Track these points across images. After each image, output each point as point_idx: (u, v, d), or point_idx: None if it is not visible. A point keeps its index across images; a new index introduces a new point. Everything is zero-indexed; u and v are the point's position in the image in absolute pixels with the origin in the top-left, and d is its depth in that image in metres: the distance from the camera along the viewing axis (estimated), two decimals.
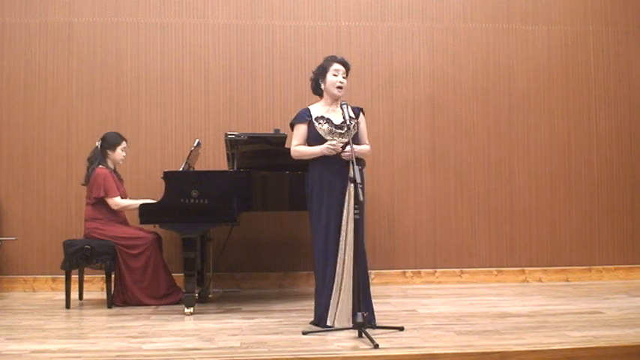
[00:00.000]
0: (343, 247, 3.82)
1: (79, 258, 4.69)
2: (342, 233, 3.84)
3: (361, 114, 4.11)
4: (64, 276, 4.77)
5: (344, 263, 3.80)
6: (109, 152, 4.96)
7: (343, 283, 3.79)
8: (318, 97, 4.18)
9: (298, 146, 4.05)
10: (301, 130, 4.05)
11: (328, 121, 3.99)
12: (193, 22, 5.76)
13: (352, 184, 3.70)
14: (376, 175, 5.72)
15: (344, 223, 3.84)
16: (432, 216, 5.84)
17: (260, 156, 4.97)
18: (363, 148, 4.03)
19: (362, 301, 3.71)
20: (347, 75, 4.08)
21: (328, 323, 3.81)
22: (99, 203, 4.83)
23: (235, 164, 4.82)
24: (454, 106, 5.93)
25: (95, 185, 4.81)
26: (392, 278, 5.72)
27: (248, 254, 5.63)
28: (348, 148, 3.82)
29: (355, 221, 3.73)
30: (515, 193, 5.92)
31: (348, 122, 3.89)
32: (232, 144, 4.81)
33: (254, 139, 4.96)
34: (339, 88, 4.01)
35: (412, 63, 5.92)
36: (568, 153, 6.00)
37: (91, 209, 4.85)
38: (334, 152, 3.88)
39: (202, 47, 5.75)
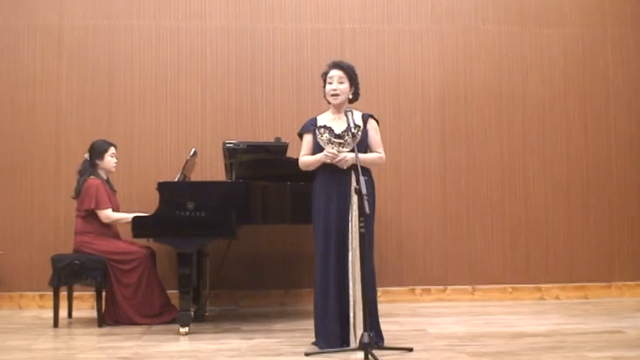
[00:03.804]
0: (351, 262, 3.81)
1: (67, 274, 4.68)
2: (350, 247, 3.82)
3: (371, 120, 4.09)
4: (52, 293, 4.75)
5: (353, 280, 3.79)
6: (98, 162, 4.95)
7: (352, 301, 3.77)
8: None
9: (304, 156, 4.07)
10: (307, 140, 4.10)
11: (329, 130, 4.01)
12: (190, 24, 5.77)
13: (358, 195, 3.68)
14: (383, 186, 5.70)
15: (350, 237, 3.82)
16: (443, 229, 5.81)
17: (260, 166, 4.97)
18: (368, 157, 4.00)
19: (368, 320, 3.67)
20: (350, 77, 4.05)
21: (352, 346, 3.75)
22: (90, 216, 4.82)
23: (234, 174, 4.82)
24: (465, 112, 5.92)
25: (86, 196, 4.80)
26: (400, 296, 5.69)
27: (247, 270, 5.61)
28: (350, 155, 3.83)
29: (360, 235, 3.70)
30: (530, 205, 5.90)
31: (352, 130, 3.88)
32: (230, 153, 4.81)
33: (253, 147, 4.95)
34: (334, 96, 4.01)
35: (421, 67, 5.92)
36: (586, 162, 5.98)
37: (81, 222, 4.84)
38: (332, 160, 3.87)
39: (199, 51, 5.76)
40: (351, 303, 3.79)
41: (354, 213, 3.82)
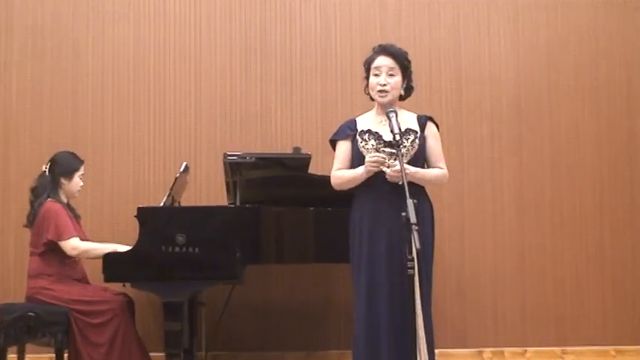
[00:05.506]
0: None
1: (19, 330, 4.68)
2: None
3: (430, 124, 4.09)
4: None
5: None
6: (64, 181, 4.97)
7: None
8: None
9: (339, 171, 4.05)
10: (343, 149, 4.08)
11: (376, 135, 3.99)
12: None
13: (405, 226, 3.65)
14: (440, 217, 5.63)
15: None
16: (520, 274, 5.81)
17: (273, 185, 5.01)
18: (429, 173, 4.00)
19: None
20: (403, 68, 4.05)
21: None
22: (49, 252, 4.82)
23: (238, 197, 4.84)
24: (550, 116, 5.93)
25: (44, 225, 4.80)
26: None
27: (256, 325, 5.63)
28: (397, 167, 3.79)
29: (409, 278, 3.68)
30: (638, 240, 5.86)
31: (398, 137, 3.87)
32: (234, 169, 4.85)
33: (264, 161, 5.00)
34: (382, 92, 4.00)
35: (489, 57, 5.94)
36: None
37: (37, 261, 4.84)
38: (379, 168, 3.83)
39: (192, 33, 5.83)
40: None
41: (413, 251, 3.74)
